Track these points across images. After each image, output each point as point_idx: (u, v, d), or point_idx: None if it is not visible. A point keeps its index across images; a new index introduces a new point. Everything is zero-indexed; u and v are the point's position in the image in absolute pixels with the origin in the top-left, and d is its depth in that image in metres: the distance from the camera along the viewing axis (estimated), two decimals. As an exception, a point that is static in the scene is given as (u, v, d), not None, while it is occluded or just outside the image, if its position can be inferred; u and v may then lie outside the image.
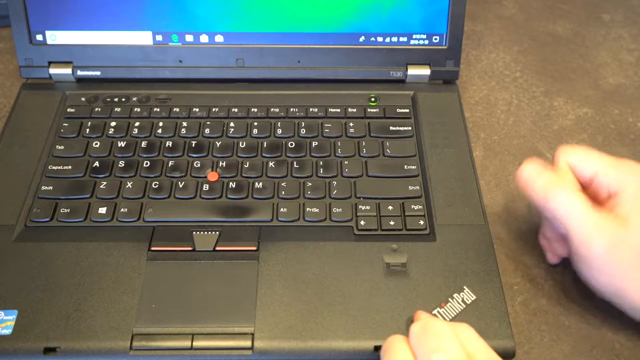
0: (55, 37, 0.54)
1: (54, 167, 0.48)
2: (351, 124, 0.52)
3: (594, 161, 0.42)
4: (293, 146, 0.50)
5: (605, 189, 0.41)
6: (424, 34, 0.55)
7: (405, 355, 0.34)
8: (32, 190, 0.47)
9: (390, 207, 0.46)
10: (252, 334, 0.39)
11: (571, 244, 0.40)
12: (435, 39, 0.55)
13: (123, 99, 0.54)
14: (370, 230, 0.45)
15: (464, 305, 0.40)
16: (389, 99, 0.54)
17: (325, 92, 0.55)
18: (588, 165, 0.42)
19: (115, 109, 0.53)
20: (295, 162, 0.49)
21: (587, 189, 0.42)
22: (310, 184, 0.47)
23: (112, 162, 0.49)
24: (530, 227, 0.48)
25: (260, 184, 0.47)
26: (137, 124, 0.52)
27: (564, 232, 0.41)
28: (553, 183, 0.41)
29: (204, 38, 0.55)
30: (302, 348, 0.39)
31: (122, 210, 0.46)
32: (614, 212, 0.40)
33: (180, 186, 0.47)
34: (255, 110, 0.53)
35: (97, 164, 0.49)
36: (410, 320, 0.39)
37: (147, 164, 0.49)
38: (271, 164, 0.49)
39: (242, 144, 0.50)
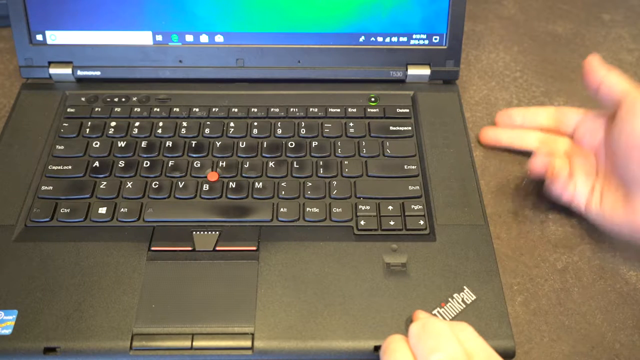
0: (55, 37, 0.54)
1: (54, 167, 0.49)
2: (351, 124, 0.52)
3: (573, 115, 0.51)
4: (293, 146, 0.50)
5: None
6: (424, 34, 0.55)
7: (404, 355, 0.34)
8: (32, 190, 0.47)
9: (390, 207, 0.46)
10: (252, 334, 0.39)
11: (619, 121, 0.44)
12: (435, 39, 0.55)
13: (123, 99, 0.54)
14: (370, 230, 0.45)
15: (464, 305, 0.40)
16: (389, 99, 0.54)
17: (325, 92, 0.55)
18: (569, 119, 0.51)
19: (115, 109, 0.53)
20: (295, 162, 0.49)
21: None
22: (310, 184, 0.47)
23: (112, 162, 0.49)
24: (530, 227, 0.48)
25: (260, 184, 0.47)
26: (137, 124, 0.52)
27: (614, 111, 0.45)
28: (608, 73, 0.47)
29: (204, 38, 0.55)
30: (302, 348, 0.39)
31: (122, 210, 0.46)
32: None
33: (180, 186, 0.47)
34: (255, 110, 0.53)
35: (97, 164, 0.49)
36: (410, 320, 0.39)
37: (147, 164, 0.49)
38: (271, 164, 0.49)
39: (242, 144, 0.50)
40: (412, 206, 0.46)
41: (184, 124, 0.52)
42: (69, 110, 0.53)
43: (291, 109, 0.53)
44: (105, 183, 0.47)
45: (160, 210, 0.46)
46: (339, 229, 0.45)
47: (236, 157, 0.50)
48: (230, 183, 0.48)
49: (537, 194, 0.51)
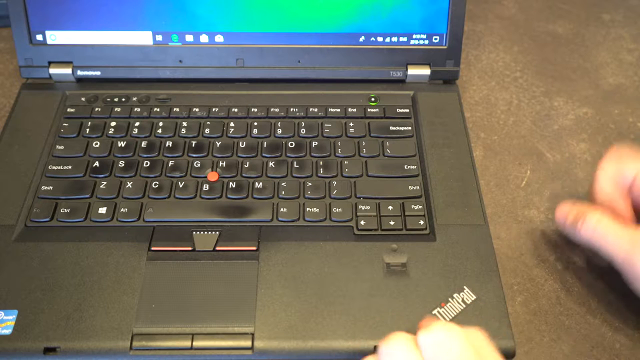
0: (55, 37, 0.54)
1: (54, 167, 0.48)
2: (351, 124, 0.52)
3: (632, 164, 0.42)
4: (293, 146, 0.50)
5: None
6: (424, 34, 0.55)
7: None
8: (32, 190, 0.47)
9: (390, 207, 0.46)
10: (252, 334, 0.39)
11: (616, 266, 0.40)
12: (435, 39, 0.55)
13: (123, 99, 0.54)
14: (370, 230, 0.45)
15: (464, 305, 0.40)
16: (389, 99, 0.54)
17: (325, 92, 0.55)
18: (627, 170, 0.42)
19: (115, 109, 0.53)
20: (295, 162, 0.49)
21: (632, 191, 0.42)
22: (310, 184, 0.47)
23: (112, 162, 0.49)
24: (530, 227, 0.48)
25: (260, 184, 0.47)
26: (137, 124, 0.52)
27: (608, 259, 0.41)
28: (580, 214, 0.42)
29: (204, 38, 0.55)
30: (302, 348, 0.39)
31: (122, 210, 0.46)
32: None
33: (180, 186, 0.47)
34: (255, 110, 0.53)
35: (97, 164, 0.49)
36: (415, 324, 0.39)
37: (147, 164, 0.49)
38: (271, 164, 0.49)
39: (242, 144, 0.50)
40: (412, 206, 0.46)
41: (184, 124, 0.52)
42: (69, 110, 0.53)
43: (291, 109, 0.53)
44: (105, 183, 0.47)
45: (160, 210, 0.46)
46: (339, 229, 0.45)
47: (236, 157, 0.50)
48: (230, 183, 0.48)
49: (538, 195, 0.51)
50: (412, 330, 0.39)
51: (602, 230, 0.41)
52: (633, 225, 0.41)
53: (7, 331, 0.39)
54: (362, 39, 0.55)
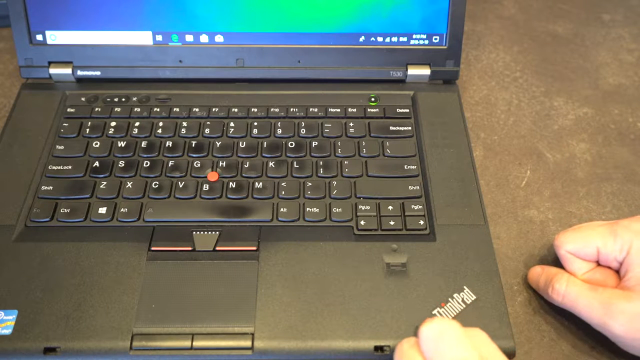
0: (55, 37, 0.54)
1: (54, 167, 0.48)
2: (351, 124, 0.52)
3: (591, 239, 0.41)
4: (293, 146, 0.50)
5: (613, 260, 0.41)
6: (424, 34, 0.55)
7: None
8: (32, 190, 0.47)
9: (390, 207, 0.46)
10: (252, 334, 0.39)
11: (594, 327, 0.40)
12: (435, 39, 0.55)
13: (123, 99, 0.54)
14: (370, 230, 0.45)
15: (464, 305, 0.40)
16: (389, 99, 0.54)
17: (325, 92, 0.55)
18: (586, 247, 0.41)
19: (115, 109, 0.53)
20: (295, 162, 0.49)
21: (599, 262, 0.42)
22: (310, 184, 0.47)
23: (112, 162, 0.49)
24: (530, 227, 0.48)
25: (260, 184, 0.47)
26: (137, 124, 0.52)
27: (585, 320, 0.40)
28: (550, 278, 0.42)
29: (204, 38, 0.55)
30: (302, 348, 0.39)
31: (122, 210, 0.46)
32: (622, 283, 0.39)
33: (180, 186, 0.47)
34: (255, 110, 0.53)
35: (97, 164, 0.49)
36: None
37: (147, 164, 0.49)
38: (271, 164, 0.49)
39: (242, 144, 0.50)
40: (412, 206, 0.46)
41: (184, 124, 0.52)
42: (69, 110, 0.53)
43: (291, 109, 0.53)
44: (105, 183, 0.47)
45: (160, 210, 0.46)
46: (339, 229, 0.45)
47: (236, 157, 0.50)
48: (230, 183, 0.48)
49: (538, 195, 0.51)
50: (412, 330, 0.39)
51: (571, 296, 0.40)
52: (612, 285, 0.40)
53: (7, 331, 0.39)
54: (362, 39, 0.55)
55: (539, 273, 0.43)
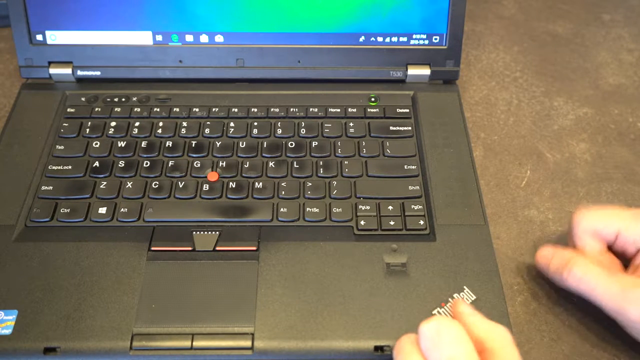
0: (55, 37, 0.54)
1: (54, 167, 0.48)
2: (351, 124, 0.52)
3: (614, 219, 0.41)
4: (293, 146, 0.50)
5: (632, 244, 0.41)
6: (424, 34, 0.55)
7: None
8: (32, 190, 0.47)
9: (390, 207, 0.46)
10: (252, 334, 0.39)
11: (608, 313, 0.40)
12: (435, 39, 0.55)
13: (123, 99, 0.54)
14: (370, 230, 0.45)
15: (464, 305, 0.40)
16: (389, 99, 0.54)
17: (325, 92, 0.55)
18: (607, 227, 0.41)
19: (115, 109, 0.53)
20: (295, 162, 0.49)
21: (613, 246, 0.42)
22: (310, 184, 0.47)
23: (112, 162, 0.49)
24: (530, 227, 0.48)
25: (260, 184, 0.47)
26: (137, 124, 0.52)
27: (598, 305, 0.40)
28: (566, 261, 0.41)
29: (204, 38, 0.55)
30: (302, 348, 0.39)
31: (122, 210, 0.46)
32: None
33: (180, 186, 0.47)
34: (255, 110, 0.53)
35: (97, 164, 0.49)
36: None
37: (147, 164, 0.49)
38: (271, 164, 0.49)
39: (242, 144, 0.50)
40: (412, 206, 0.46)
41: (184, 124, 0.52)
42: (69, 110, 0.53)
43: (291, 109, 0.53)
44: (105, 183, 0.47)
45: (160, 210, 0.46)
46: (339, 229, 0.45)
47: (236, 157, 0.50)
48: (230, 183, 0.48)
49: (538, 195, 0.51)
50: (412, 330, 0.39)
51: (590, 281, 0.40)
52: (619, 271, 0.41)
53: (7, 331, 0.39)
54: (362, 39, 0.55)
55: (549, 256, 0.42)
